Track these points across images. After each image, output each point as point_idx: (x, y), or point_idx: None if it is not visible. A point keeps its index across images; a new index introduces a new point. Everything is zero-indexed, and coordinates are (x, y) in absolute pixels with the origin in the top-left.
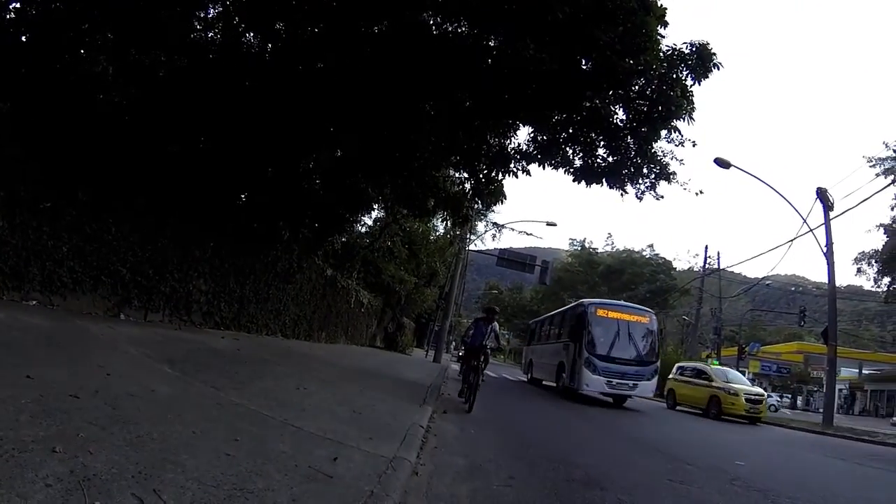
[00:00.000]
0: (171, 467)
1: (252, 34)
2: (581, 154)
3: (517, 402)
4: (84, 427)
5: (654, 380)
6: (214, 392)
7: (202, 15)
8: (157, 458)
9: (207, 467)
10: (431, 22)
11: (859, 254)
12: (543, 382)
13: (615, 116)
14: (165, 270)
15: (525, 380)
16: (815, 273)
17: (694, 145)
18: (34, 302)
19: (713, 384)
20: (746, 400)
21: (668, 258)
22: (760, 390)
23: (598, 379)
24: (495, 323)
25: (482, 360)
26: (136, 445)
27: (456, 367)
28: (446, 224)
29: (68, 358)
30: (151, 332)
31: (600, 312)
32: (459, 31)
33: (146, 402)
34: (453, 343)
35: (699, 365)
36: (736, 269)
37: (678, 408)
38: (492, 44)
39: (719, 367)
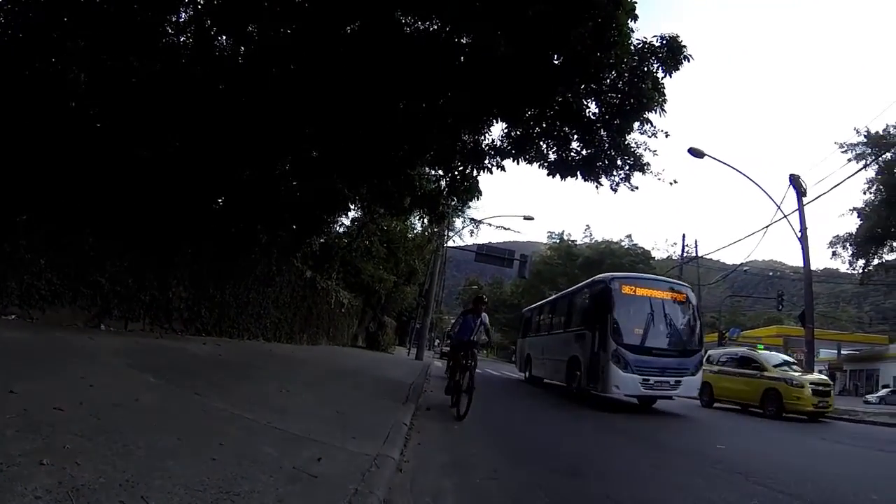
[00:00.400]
0: (157, 474)
1: (224, 37)
2: (555, 148)
3: (515, 407)
4: (70, 439)
5: (700, 374)
6: (198, 398)
7: (174, 19)
8: (144, 466)
9: (194, 472)
10: (404, 21)
11: (834, 237)
12: (545, 381)
13: (588, 110)
14: (144, 279)
15: (523, 378)
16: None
17: (667, 136)
18: (13, 316)
19: (767, 374)
20: (813, 392)
21: (646, 248)
22: (826, 378)
23: (630, 378)
24: (484, 315)
25: (472, 357)
26: (123, 454)
27: (439, 364)
28: (423, 222)
29: (50, 371)
30: (133, 341)
31: (627, 289)
32: (432, 29)
33: (130, 411)
34: (436, 340)
35: (744, 350)
36: (714, 257)
37: (716, 405)
38: (464, 41)
39: (765, 351)
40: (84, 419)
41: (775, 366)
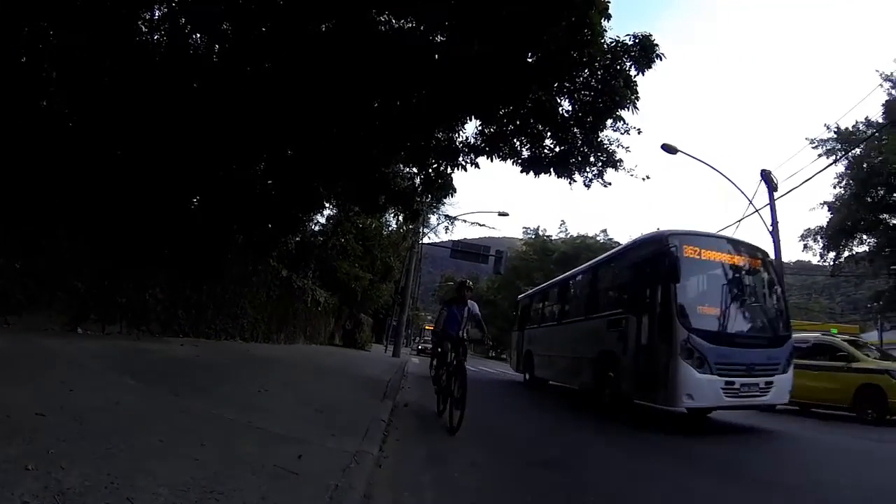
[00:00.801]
0: (141, 476)
1: (199, 35)
2: (529, 145)
3: (525, 428)
4: (53, 444)
5: (791, 370)
6: (178, 400)
7: (147, 17)
8: (128, 468)
9: (177, 472)
10: (379, 19)
11: (805, 230)
12: (550, 383)
13: (561, 108)
14: (121, 281)
15: (522, 380)
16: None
17: (639, 133)
18: None
19: (860, 365)
20: None
21: (622, 242)
22: None
23: (707, 381)
24: (472, 303)
25: (462, 355)
26: (107, 457)
27: (416, 360)
28: (398, 219)
29: (29, 376)
30: (111, 344)
31: (690, 251)
32: (406, 27)
33: (112, 414)
34: (415, 338)
35: (818, 337)
36: None
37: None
38: (438, 39)
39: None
40: (66, 424)
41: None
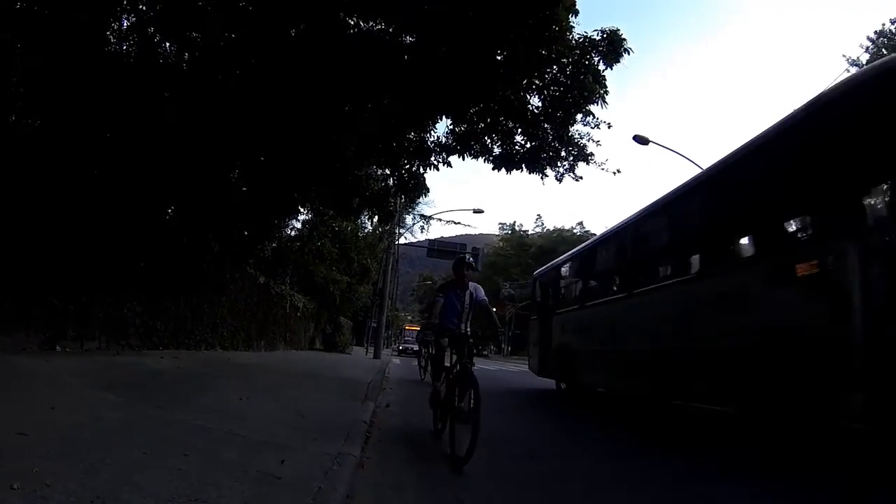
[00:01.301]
0: (126, 489)
1: (168, 44)
2: (500, 142)
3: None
4: (37, 462)
5: None
6: (160, 412)
7: (116, 27)
8: (113, 482)
9: (162, 484)
10: (348, 22)
11: None
12: (597, 391)
13: (531, 104)
14: (98, 296)
15: (554, 389)
16: None
17: (609, 127)
18: None
19: None
20: None
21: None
22: None
23: None
24: (477, 287)
25: (467, 356)
26: (91, 473)
27: (397, 361)
28: (373, 221)
29: (8, 396)
30: (90, 360)
31: None
32: (376, 29)
33: (94, 430)
34: (395, 340)
35: None
36: None
37: None
38: (408, 41)
39: None
40: (49, 442)
41: None
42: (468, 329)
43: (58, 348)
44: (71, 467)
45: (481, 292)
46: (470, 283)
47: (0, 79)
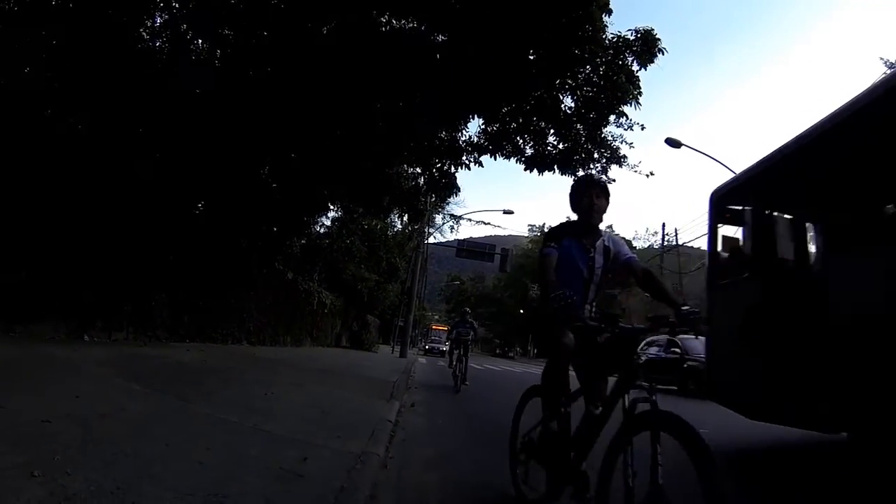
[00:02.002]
0: (147, 481)
1: (200, 41)
2: (532, 143)
3: None
4: (59, 450)
5: None
6: (184, 405)
7: (149, 24)
8: (133, 474)
9: (182, 477)
10: (380, 20)
11: None
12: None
13: (564, 104)
14: (127, 288)
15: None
16: None
17: (642, 128)
18: None
19: None
20: None
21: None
22: None
23: None
24: (613, 238)
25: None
26: (112, 463)
27: (423, 360)
28: (403, 220)
29: (35, 384)
30: (117, 351)
31: None
32: (408, 28)
33: (117, 420)
34: (422, 339)
35: None
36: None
37: None
38: (440, 39)
39: None
40: (72, 430)
41: None
42: (595, 311)
43: (86, 338)
44: (92, 457)
45: (623, 246)
46: (604, 231)
47: (35, 73)
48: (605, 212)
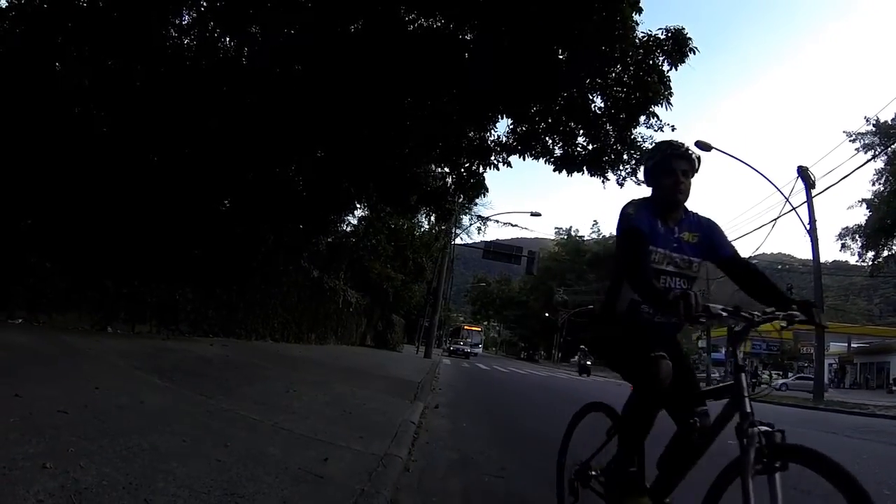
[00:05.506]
0: (161, 476)
1: (227, 39)
2: (561, 143)
3: None
4: (74, 442)
5: None
6: (204, 400)
7: (177, 21)
8: (148, 469)
9: (198, 474)
10: (407, 18)
11: (843, 229)
12: None
13: (593, 105)
14: (151, 281)
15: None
16: (801, 250)
17: (673, 130)
18: (20, 320)
19: None
20: None
21: None
22: None
23: None
24: (708, 223)
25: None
26: (127, 457)
27: (448, 361)
28: (430, 219)
29: (56, 374)
30: (139, 343)
31: None
32: (435, 26)
33: (135, 413)
34: (447, 340)
35: None
36: None
37: None
38: (468, 37)
39: None
40: (88, 422)
41: None
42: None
43: (109, 329)
44: (107, 450)
45: (723, 235)
46: (693, 214)
47: (67, 71)
48: (689, 190)
